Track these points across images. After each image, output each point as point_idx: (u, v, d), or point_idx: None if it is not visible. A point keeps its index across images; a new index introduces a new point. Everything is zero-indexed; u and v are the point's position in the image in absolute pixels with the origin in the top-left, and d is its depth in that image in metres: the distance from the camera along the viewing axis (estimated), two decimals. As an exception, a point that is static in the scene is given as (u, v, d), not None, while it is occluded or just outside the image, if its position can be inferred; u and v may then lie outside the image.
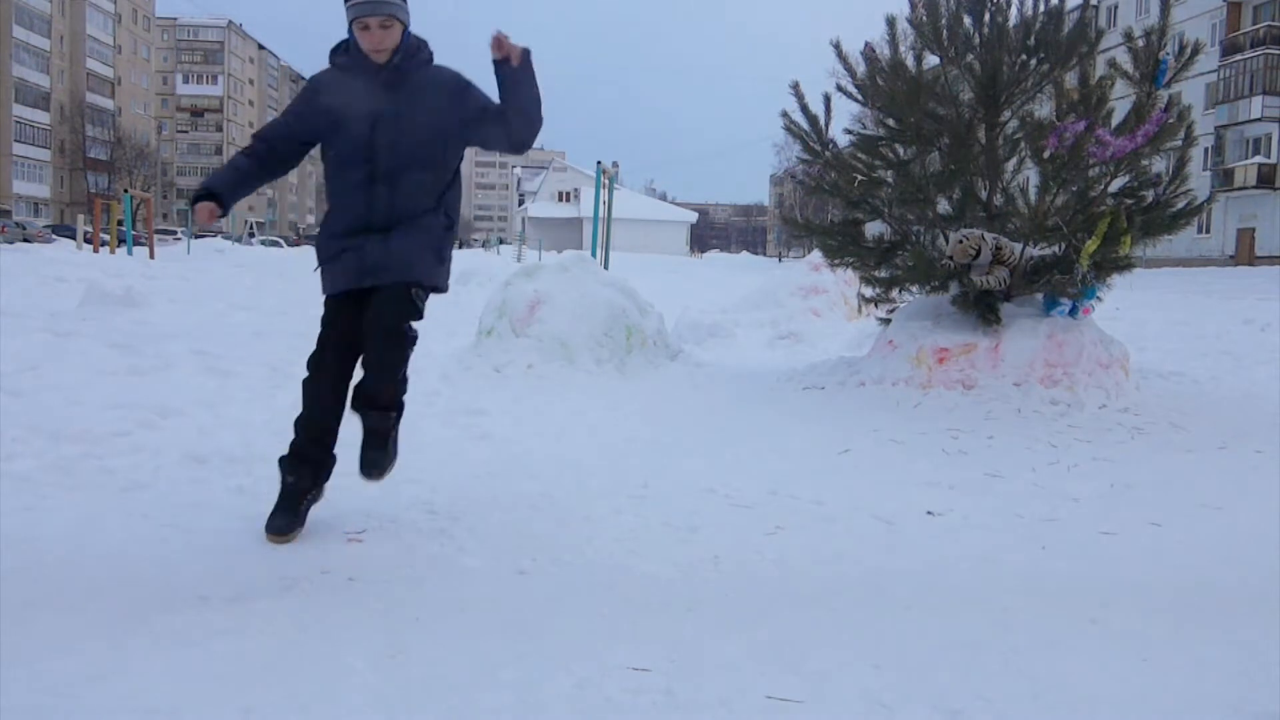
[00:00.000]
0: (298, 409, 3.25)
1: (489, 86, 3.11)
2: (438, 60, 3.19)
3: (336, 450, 3.29)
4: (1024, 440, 4.92)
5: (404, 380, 3.26)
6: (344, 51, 3.11)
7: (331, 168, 3.16)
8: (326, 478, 3.30)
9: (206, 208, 3.06)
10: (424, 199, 3.11)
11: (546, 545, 3.17)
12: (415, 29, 3.14)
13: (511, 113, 3.08)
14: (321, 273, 3.20)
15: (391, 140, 3.04)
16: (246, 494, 3.68)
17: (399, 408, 3.28)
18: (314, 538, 3.20)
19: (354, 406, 3.20)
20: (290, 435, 3.25)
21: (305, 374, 3.21)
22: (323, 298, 3.22)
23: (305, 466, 3.20)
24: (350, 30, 3.04)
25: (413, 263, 3.06)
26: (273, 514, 3.15)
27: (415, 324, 3.15)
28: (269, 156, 3.20)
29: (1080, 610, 2.68)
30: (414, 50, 3.09)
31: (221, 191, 3.08)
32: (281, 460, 3.22)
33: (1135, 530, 3.53)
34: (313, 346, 3.20)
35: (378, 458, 3.18)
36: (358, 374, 3.20)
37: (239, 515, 3.42)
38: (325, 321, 3.19)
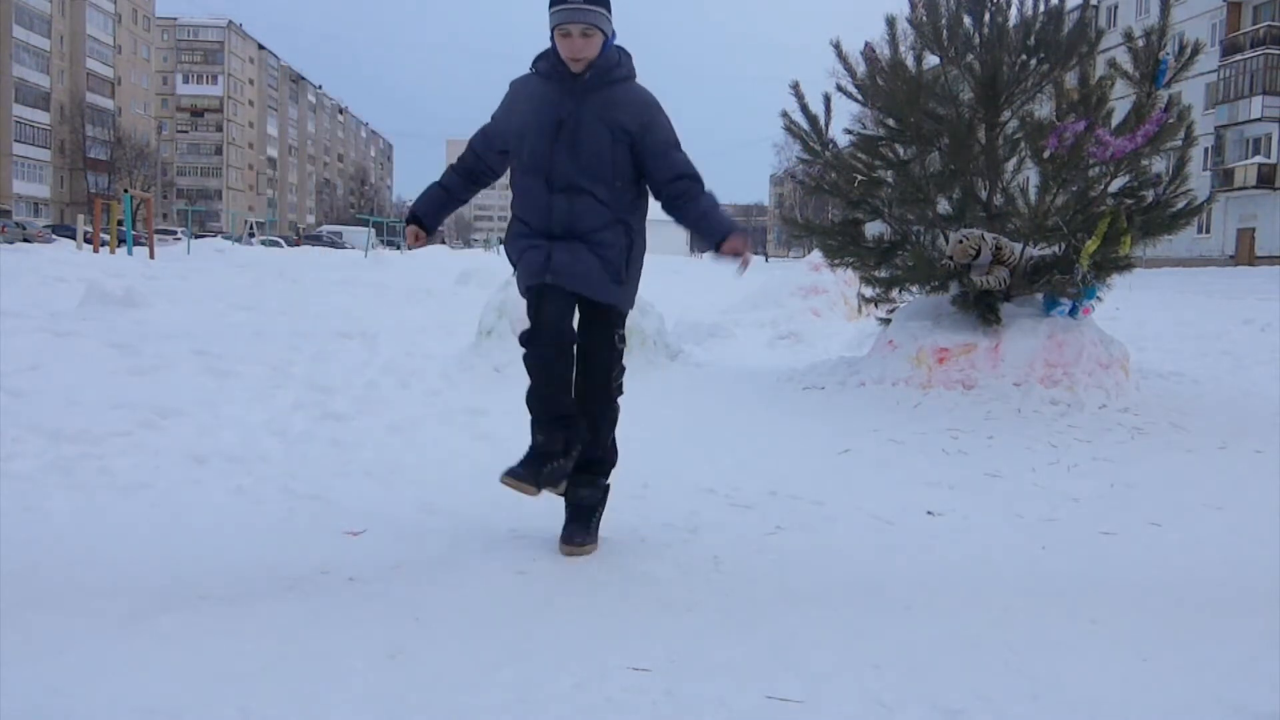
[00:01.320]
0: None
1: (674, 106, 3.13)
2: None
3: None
4: (1024, 440, 4.92)
5: (613, 448, 3.29)
6: (544, 58, 3.09)
7: (515, 174, 3.15)
8: (577, 443, 3.20)
9: (412, 231, 3.33)
10: (604, 211, 3.05)
11: (546, 545, 3.17)
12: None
13: (671, 209, 3.12)
14: (515, 273, 3.20)
15: (570, 152, 3.00)
16: (246, 494, 3.69)
17: (605, 473, 3.28)
18: (314, 537, 3.21)
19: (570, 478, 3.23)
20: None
21: (523, 350, 3.13)
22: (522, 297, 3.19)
23: (553, 430, 3.12)
24: (552, 37, 3.01)
25: (592, 278, 3.04)
26: (517, 463, 3.11)
27: (620, 371, 3.21)
28: (476, 165, 3.27)
29: (1080, 610, 2.68)
30: (611, 64, 3.03)
31: (423, 216, 3.31)
32: (531, 423, 3.19)
33: (1135, 530, 3.53)
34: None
35: (579, 539, 3.15)
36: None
37: (239, 515, 3.43)
38: (530, 306, 3.11)
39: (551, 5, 2.97)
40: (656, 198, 3.17)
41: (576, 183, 3.02)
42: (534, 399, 3.14)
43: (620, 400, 3.30)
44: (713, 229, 3.04)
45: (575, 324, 3.13)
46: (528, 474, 3.08)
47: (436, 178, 3.39)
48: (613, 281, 3.11)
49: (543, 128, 3.03)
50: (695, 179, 3.11)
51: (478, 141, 3.28)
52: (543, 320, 3.06)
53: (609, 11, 3.01)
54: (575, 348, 3.13)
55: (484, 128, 3.26)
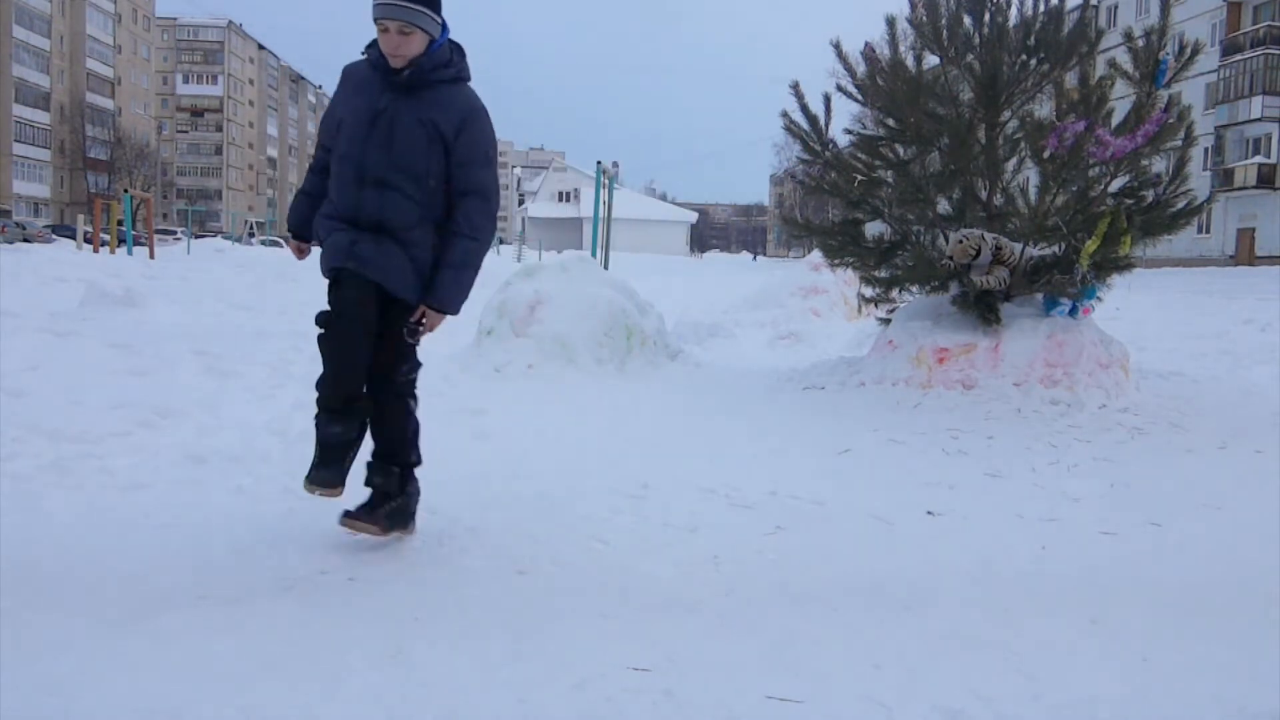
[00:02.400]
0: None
1: (509, 116, 3.08)
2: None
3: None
4: (1024, 440, 4.91)
5: (414, 439, 3.20)
6: (374, 46, 3.04)
7: (333, 160, 3.11)
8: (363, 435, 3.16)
9: (294, 246, 3.35)
10: (413, 209, 3.00)
11: (546, 545, 3.17)
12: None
13: (448, 227, 3.06)
14: (321, 253, 3.15)
15: (384, 146, 2.96)
16: (246, 494, 3.68)
17: (403, 466, 3.18)
18: (314, 538, 3.20)
19: (370, 463, 3.18)
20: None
21: (320, 332, 3.05)
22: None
23: (349, 419, 3.04)
24: None
25: (394, 276, 2.98)
26: (315, 466, 3.00)
27: (412, 368, 3.14)
28: (328, 159, 3.19)
29: (1080, 610, 2.68)
30: (436, 64, 2.97)
31: (298, 229, 3.30)
32: (316, 417, 3.06)
33: (1135, 530, 3.53)
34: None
35: (361, 514, 3.06)
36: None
37: (239, 515, 3.42)
38: (330, 288, 3.05)
39: None
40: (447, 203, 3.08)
41: (387, 178, 2.97)
42: (330, 383, 3.01)
43: (415, 399, 3.20)
44: (442, 292, 3.03)
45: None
46: (330, 475, 2.96)
47: None
48: (420, 282, 3.04)
49: (359, 118, 2.98)
50: (485, 201, 3.07)
51: (321, 134, 3.23)
52: (343, 303, 2.98)
53: (434, 11, 2.93)
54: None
55: (323, 118, 3.22)
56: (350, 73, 3.13)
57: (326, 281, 3.05)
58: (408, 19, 2.88)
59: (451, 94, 3.02)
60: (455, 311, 3.09)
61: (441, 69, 2.99)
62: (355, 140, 2.99)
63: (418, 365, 3.21)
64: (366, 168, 2.98)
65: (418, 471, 3.27)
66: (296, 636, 2.38)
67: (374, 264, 2.97)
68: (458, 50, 3.06)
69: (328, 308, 3.02)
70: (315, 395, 3.06)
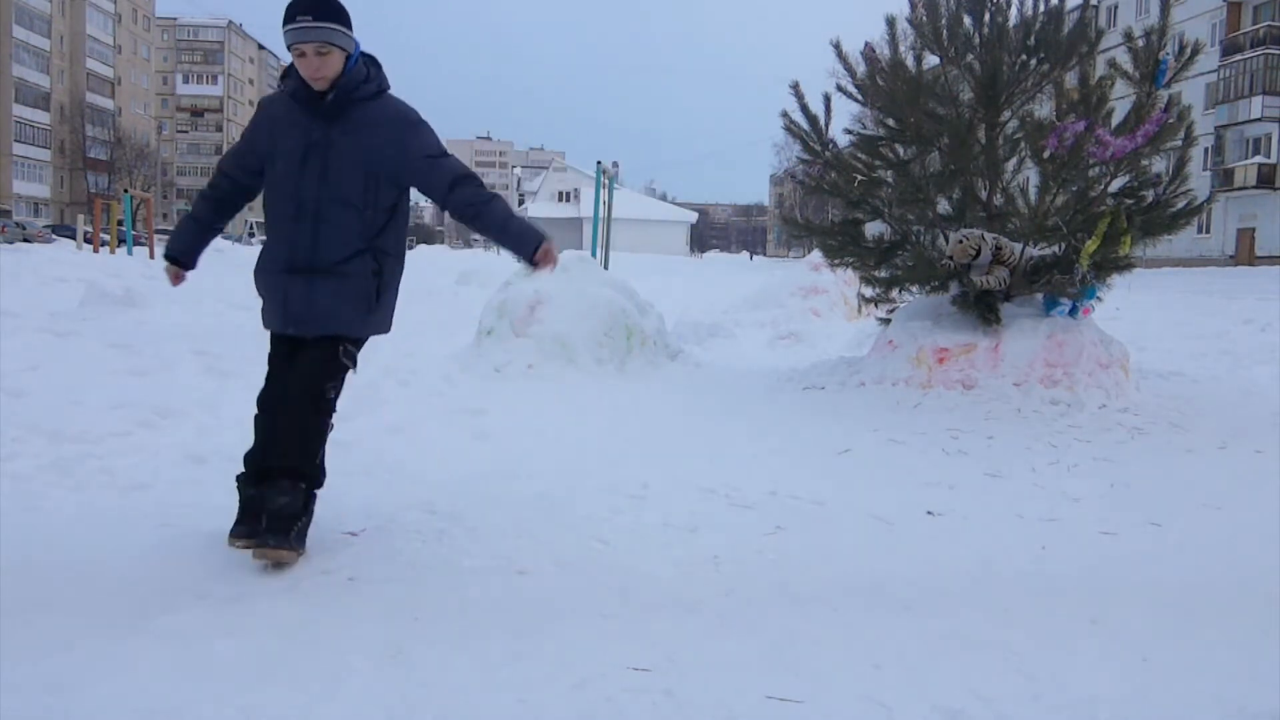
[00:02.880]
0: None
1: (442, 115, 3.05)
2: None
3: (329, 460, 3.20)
4: (1024, 440, 4.91)
5: (319, 459, 3.11)
6: (291, 75, 2.98)
7: (265, 198, 3.05)
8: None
9: (172, 271, 3.23)
10: (351, 240, 2.95)
11: (546, 545, 3.17)
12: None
13: (464, 219, 3.07)
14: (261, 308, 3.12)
15: (320, 175, 2.91)
16: (246, 494, 3.68)
17: (309, 484, 3.03)
18: (314, 537, 3.20)
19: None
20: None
21: (257, 411, 3.07)
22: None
23: (266, 486, 2.98)
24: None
25: (336, 315, 2.97)
26: (236, 522, 3.00)
27: (337, 388, 3.07)
28: (231, 190, 3.13)
29: (1080, 610, 2.68)
30: (357, 81, 2.93)
31: (179, 256, 3.20)
32: (239, 477, 3.10)
33: (1135, 530, 3.53)
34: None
35: (274, 542, 2.86)
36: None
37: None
38: (269, 359, 3.08)
39: (284, 23, 2.83)
40: (442, 209, 3.10)
41: (324, 210, 2.92)
42: (256, 458, 3.03)
43: (332, 421, 3.13)
44: (524, 242, 3.04)
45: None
46: (246, 530, 2.93)
47: None
48: (362, 313, 3.01)
49: (292, 153, 2.93)
50: (471, 179, 3.05)
51: (228, 164, 3.13)
52: (275, 381, 3.01)
53: (347, 27, 2.89)
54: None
55: (234, 148, 3.15)
56: (270, 105, 3.08)
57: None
58: (324, 39, 2.84)
59: (379, 110, 2.98)
60: (544, 236, 3.06)
61: (362, 85, 2.96)
62: (289, 175, 2.95)
63: (342, 386, 3.12)
64: (303, 202, 2.94)
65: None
66: (296, 636, 2.38)
67: (311, 321, 2.97)
68: (373, 63, 3.02)
69: (264, 383, 3.05)
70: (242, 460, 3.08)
